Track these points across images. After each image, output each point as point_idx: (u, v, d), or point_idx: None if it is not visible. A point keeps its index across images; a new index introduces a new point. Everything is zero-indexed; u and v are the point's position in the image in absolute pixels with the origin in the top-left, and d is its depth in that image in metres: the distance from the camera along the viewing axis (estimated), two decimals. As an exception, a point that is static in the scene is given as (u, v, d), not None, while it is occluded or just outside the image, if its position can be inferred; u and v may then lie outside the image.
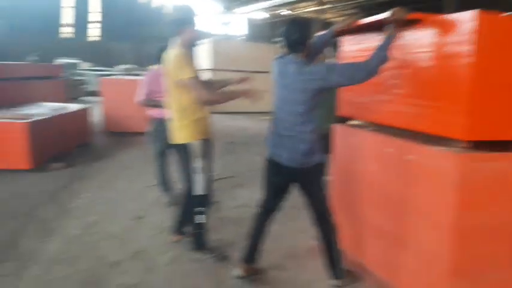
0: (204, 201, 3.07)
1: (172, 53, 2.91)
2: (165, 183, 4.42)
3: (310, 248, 3.28)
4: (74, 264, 3.03)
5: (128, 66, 21.55)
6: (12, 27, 23.27)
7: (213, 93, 3.00)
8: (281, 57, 2.63)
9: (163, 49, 4.21)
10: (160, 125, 4.20)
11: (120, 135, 8.06)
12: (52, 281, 2.82)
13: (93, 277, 2.87)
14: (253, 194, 4.66)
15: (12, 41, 20.23)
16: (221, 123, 9.89)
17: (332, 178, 3.25)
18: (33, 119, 5.45)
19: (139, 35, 32.30)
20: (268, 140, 2.72)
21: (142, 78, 4.34)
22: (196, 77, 2.84)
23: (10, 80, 7.74)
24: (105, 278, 2.87)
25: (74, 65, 17.77)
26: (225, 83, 3.39)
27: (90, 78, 16.46)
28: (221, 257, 3.10)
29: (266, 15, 31.07)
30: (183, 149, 3.04)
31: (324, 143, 2.96)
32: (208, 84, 3.06)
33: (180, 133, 3.03)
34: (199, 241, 3.14)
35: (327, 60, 3.88)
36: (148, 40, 31.78)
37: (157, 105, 4.12)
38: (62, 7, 28.08)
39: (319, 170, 2.65)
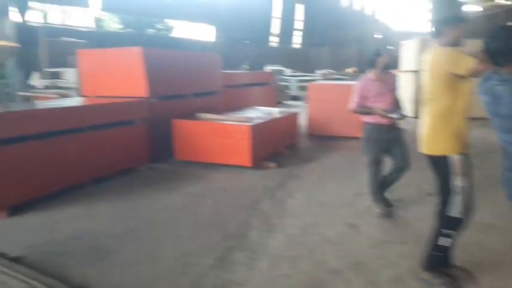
0: (457, 225, 2.69)
1: (437, 52, 2.63)
2: (377, 193, 4.24)
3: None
4: (296, 265, 3.15)
5: (324, 71, 22.27)
6: (228, 39, 27.09)
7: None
8: (486, 77, 2.06)
9: (377, 54, 4.08)
10: (375, 132, 4.08)
11: (323, 139, 8.26)
12: (278, 277, 2.98)
13: (314, 281, 2.92)
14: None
15: (229, 51, 23.35)
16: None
17: None
18: (254, 122, 6.07)
19: (336, 39, 32.86)
20: (504, 180, 2.18)
21: (354, 84, 4.32)
22: (475, 59, 2.33)
23: (235, 87, 8.98)
24: (326, 285, 2.88)
25: (280, 72, 19.39)
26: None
27: (291, 84, 17.61)
28: (454, 286, 2.73)
29: (479, 8, 27.31)
30: (438, 163, 2.73)
31: None
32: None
33: (436, 143, 2.70)
34: (433, 263, 2.80)
35: None
36: (345, 43, 32.11)
37: (370, 112, 4.02)
38: (272, 17, 31.11)
39: None
